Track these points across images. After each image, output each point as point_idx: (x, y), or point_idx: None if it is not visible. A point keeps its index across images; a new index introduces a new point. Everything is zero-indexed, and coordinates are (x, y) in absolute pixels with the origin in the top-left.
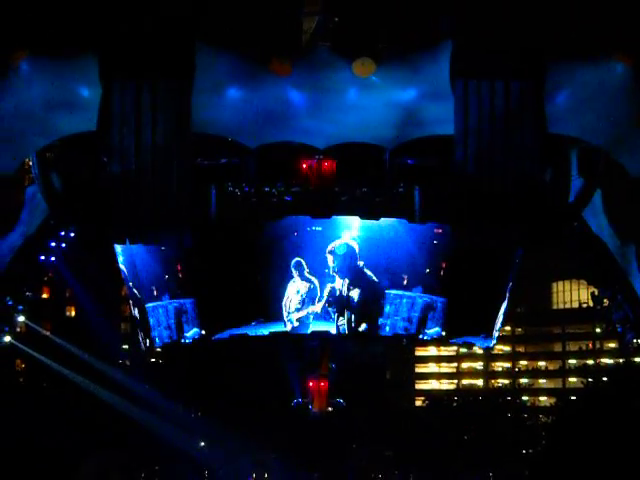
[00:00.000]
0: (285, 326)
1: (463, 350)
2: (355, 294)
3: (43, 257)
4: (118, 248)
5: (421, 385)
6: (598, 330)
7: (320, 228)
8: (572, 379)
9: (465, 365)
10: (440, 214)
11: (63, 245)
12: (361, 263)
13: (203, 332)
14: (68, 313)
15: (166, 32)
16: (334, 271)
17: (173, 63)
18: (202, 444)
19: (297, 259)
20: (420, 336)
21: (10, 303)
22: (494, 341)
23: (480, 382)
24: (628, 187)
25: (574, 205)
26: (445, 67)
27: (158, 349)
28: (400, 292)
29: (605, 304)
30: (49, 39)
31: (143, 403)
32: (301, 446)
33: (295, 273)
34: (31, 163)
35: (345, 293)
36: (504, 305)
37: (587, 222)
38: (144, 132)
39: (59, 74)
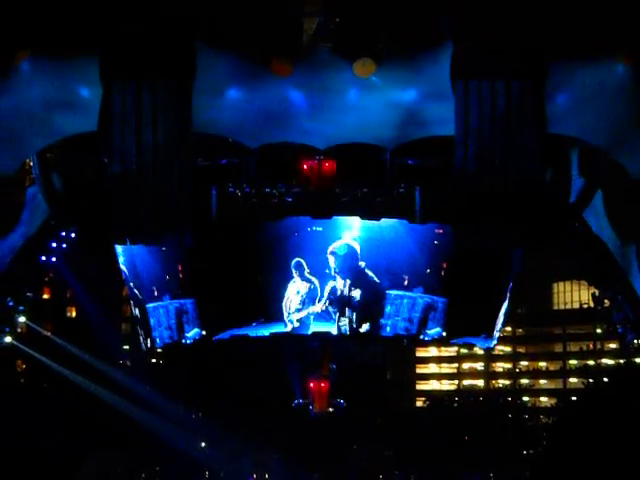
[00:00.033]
0: (285, 327)
1: (464, 351)
2: (356, 295)
3: (44, 258)
4: (119, 248)
5: (422, 386)
6: (599, 331)
7: (321, 228)
8: (573, 380)
9: (466, 366)
10: (441, 214)
11: (64, 246)
12: (362, 264)
13: (204, 332)
14: (69, 314)
15: (167, 32)
16: (335, 272)
17: (174, 63)
18: (203, 444)
19: (297, 259)
20: (421, 336)
21: (11, 304)
22: (495, 342)
23: (481, 383)
24: (628, 187)
25: (574, 205)
26: (446, 67)
27: (159, 349)
28: (401, 292)
29: (606, 305)
30: (50, 39)
31: (144, 403)
32: (302, 446)
33: (295, 273)
34: (32, 163)
35: (346, 294)
36: (505, 305)
37: (588, 222)
38: (145, 132)
39: (60, 74)
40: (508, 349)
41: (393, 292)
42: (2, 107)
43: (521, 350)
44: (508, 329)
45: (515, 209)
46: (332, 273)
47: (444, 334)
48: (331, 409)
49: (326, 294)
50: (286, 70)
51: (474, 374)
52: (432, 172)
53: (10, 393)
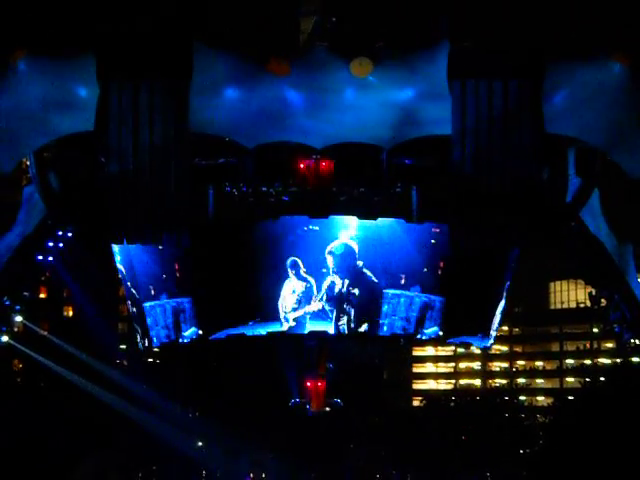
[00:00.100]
0: (281, 326)
1: (461, 350)
2: (354, 294)
3: (41, 257)
4: (115, 248)
5: (418, 385)
6: (595, 330)
7: (317, 227)
8: (569, 379)
9: (463, 365)
10: (438, 214)
11: (61, 245)
12: (360, 263)
13: (200, 332)
14: (66, 313)
15: (164, 32)
16: (334, 271)
17: (171, 63)
18: (200, 444)
19: (293, 258)
20: (418, 336)
21: (7, 303)
22: (491, 341)
23: (478, 382)
24: (626, 187)
25: (572, 205)
26: (443, 67)
27: (156, 349)
28: (398, 291)
29: (602, 304)
30: (47, 39)
31: (141, 403)
32: (299, 446)
33: (291, 272)
34: (28, 163)
35: (345, 293)
36: (501, 305)
37: (585, 222)
38: (142, 132)
39: (57, 74)
40: (505, 348)
41: (390, 291)
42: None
43: (518, 349)
44: (505, 328)
45: (512, 209)
46: (330, 273)
47: (441, 333)
48: (328, 408)
49: (324, 289)
50: (283, 70)
51: (471, 373)
52: (429, 172)
53: (7, 393)
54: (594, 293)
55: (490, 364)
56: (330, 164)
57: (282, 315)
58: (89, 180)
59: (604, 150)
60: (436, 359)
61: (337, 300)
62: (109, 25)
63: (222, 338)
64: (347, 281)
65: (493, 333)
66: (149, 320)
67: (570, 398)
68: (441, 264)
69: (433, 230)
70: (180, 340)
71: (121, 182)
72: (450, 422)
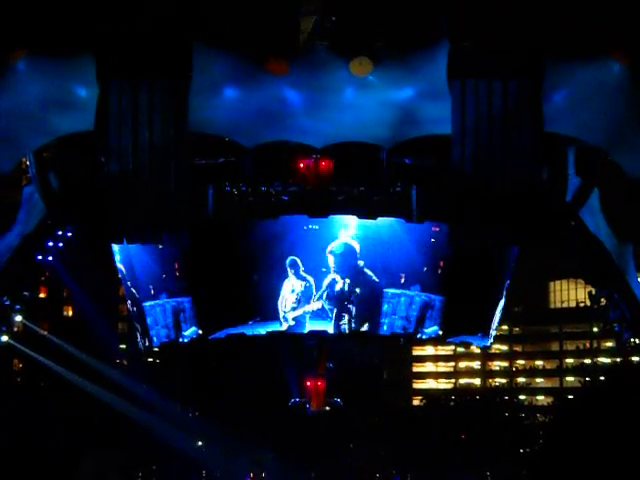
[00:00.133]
0: (281, 325)
1: (460, 349)
2: (355, 294)
3: (40, 257)
4: (115, 247)
5: (418, 384)
6: (595, 329)
7: (317, 227)
8: (569, 378)
9: (462, 364)
10: (437, 213)
11: (60, 245)
12: (361, 263)
13: (200, 331)
14: (65, 313)
15: (163, 32)
16: (334, 271)
17: (170, 63)
18: (200, 443)
19: (292, 258)
20: (418, 335)
21: (7, 303)
22: (491, 340)
23: (477, 381)
24: (625, 187)
25: (571, 204)
26: (442, 66)
27: (156, 348)
28: (398, 291)
29: (602, 303)
30: (47, 39)
31: (141, 403)
32: (298, 445)
33: (290, 272)
34: (28, 163)
35: (346, 292)
36: (501, 304)
37: (584, 221)
38: (141, 132)
39: (56, 74)
40: (505, 348)
41: (390, 290)
42: None
43: (518, 349)
44: (505, 328)
45: (512, 208)
46: (331, 272)
47: (441, 333)
48: (328, 408)
49: (324, 287)
50: (283, 69)
51: (471, 373)
52: (429, 171)
53: (7, 392)
54: (594, 292)
55: (490, 363)
56: (330, 163)
57: (281, 315)
58: (89, 180)
59: (604, 150)
60: (436, 358)
61: (338, 299)
62: (109, 25)
63: (222, 338)
64: (348, 280)
65: (493, 332)
66: (149, 320)
67: (570, 397)
68: (441, 263)
69: (433, 229)
70: (180, 340)
71: (121, 182)
72: (450, 421)
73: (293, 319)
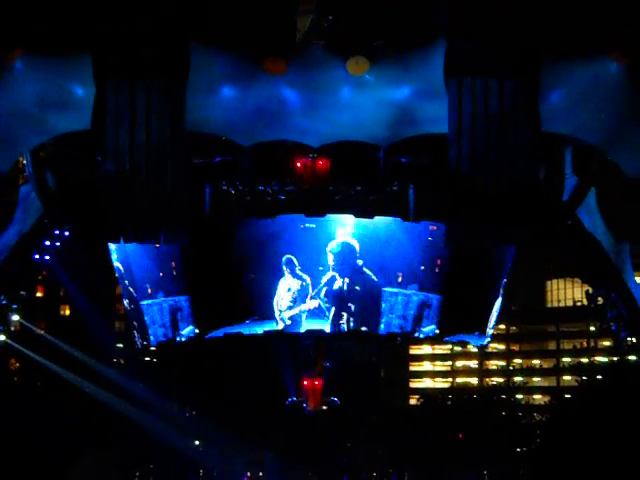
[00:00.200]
0: (277, 324)
1: (457, 348)
2: (355, 293)
3: (37, 256)
4: (112, 246)
5: (415, 383)
6: (592, 328)
7: (314, 225)
8: (566, 377)
9: (459, 363)
10: (434, 213)
11: (57, 244)
12: (360, 262)
13: (197, 330)
14: (62, 312)
15: (160, 31)
16: (334, 269)
17: (167, 62)
18: (197, 443)
19: (288, 256)
20: (416, 334)
21: (4, 302)
22: (488, 339)
23: (474, 380)
24: (622, 186)
25: (568, 203)
26: (439, 65)
27: (153, 347)
28: (395, 290)
29: (599, 302)
30: (43, 38)
31: (138, 402)
32: (296, 445)
33: (286, 270)
34: (25, 162)
35: (345, 291)
36: (498, 303)
37: (581, 220)
38: (138, 131)
39: (53, 73)
40: (502, 347)
41: (387, 289)
42: None
43: (515, 348)
44: (502, 327)
45: (508, 207)
46: (330, 270)
47: (438, 332)
48: (325, 407)
49: (322, 283)
50: (279, 68)
51: (468, 372)
52: (425, 170)
53: (3, 392)
54: (591, 291)
55: (487, 362)
56: (327, 163)
57: (277, 314)
58: (86, 179)
59: (601, 149)
60: (433, 357)
61: (337, 297)
62: (106, 24)
63: (219, 337)
64: (347, 279)
65: (490, 331)
66: (146, 318)
67: (567, 396)
68: (438, 262)
69: (430, 228)
70: (177, 339)
71: (118, 181)
72: (447, 420)
73: (289, 318)
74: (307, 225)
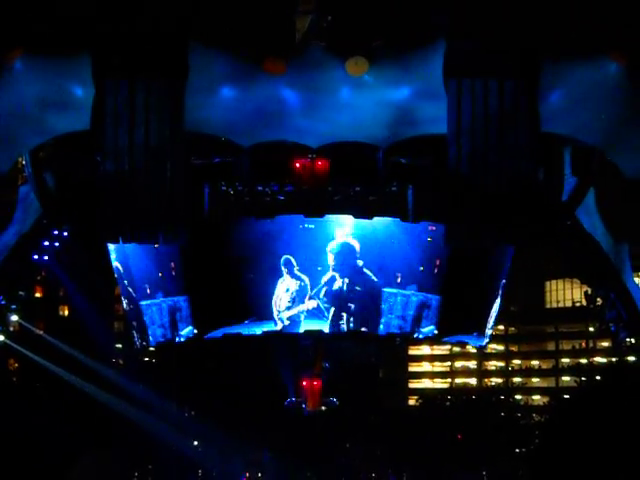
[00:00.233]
0: (276, 325)
1: (456, 349)
2: (355, 293)
3: (36, 256)
4: (111, 246)
5: (414, 384)
6: (591, 329)
7: (313, 226)
8: (565, 378)
9: (458, 364)
10: (433, 213)
11: (56, 244)
12: (360, 262)
13: (196, 331)
14: (61, 312)
15: (160, 32)
16: (334, 269)
17: (166, 62)
18: (195, 443)
19: (286, 256)
20: (415, 335)
21: (3, 302)
22: (487, 340)
23: (473, 381)
24: (621, 186)
25: (567, 204)
26: (438, 66)
27: (152, 348)
28: (394, 290)
29: (598, 303)
30: (43, 38)
31: (137, 402)
32: (294, 445)
33: (284, 271)
34: (24, 162)
35: (345, 292)
36: (497, 303)
37: (580, 221)
38: (137, 131)
39: (53, 73)
40: (501, 347)
41: (386, 290)
42: None
43: (514, 348)
44: (501, 327)
45: (508, 207)
46: (330, 270)
47: (437, 332)
48: (324, 407)
49: (322, 283)
50: (279, 69)
51: (467, 372)
52: (425, 171)
53: (2, 392)
54: (590, 292)
55: (486, 363)
56: (326, 163)
57: (276, 314)
58: (85, 179)
59: (600, 149)
60: (432, 358)
61: (336, 298)
62: (105, 25)
63: (218, 337)
64: (347, 280)
65: (489, 332)
66: (146, 319)
67: (566, 397)
68: (437, 263)
69: (429, 229)
70: (176, 339)
71: (117, 181)
72: (446, 421)
73: (288, 318)
74: (306, 225)
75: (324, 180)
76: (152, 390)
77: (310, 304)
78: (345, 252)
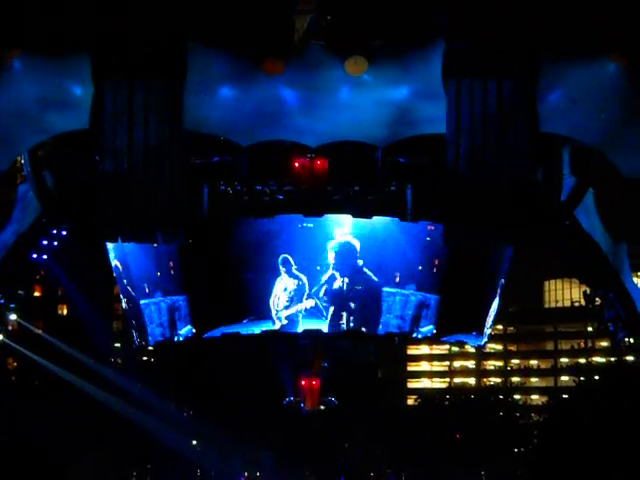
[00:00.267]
0: (274, 324)
1: (455, 349)
2: (355, 293)
3: (35, 255)
4: (110, 245)
5: (413, 384)
6: (590, 329)
7: (311, 225)
8: (564, 378)
9: (457, 364)
10: (432, 213)
11: (55, 243)
12: (360, 262)
13: (195, 330)
14: (60, 311)
15: (159, 31)
16: (334, 268)
17: (166, 62)
18: (194, 443)
19: (284, 256)
20: (414, 334)
21: (2, 301)
22: (485, 339)
23: (472, 381)
24: (620, 186)
25: (566, 204)
26: (437, 66)
27: (150, 347)
28: (393, 290)
29: (597, 303)
30: (42, 38)
31: (135, 402)
32: (293, 444)
33: (282, 270)
34: (23, 161)
35: (345, 291)
36: (495, 303)
37: (579, 221)
38: (137, 131)
39: (52, 72)
40: (499, 347)
41: (385, 289)
42: None
43: (512, 348)
44: (499, 327)
45: (506, 207)
46: (330, 268)
47: (435, 332)
48: (322, 407)
49: (322, 280)
50: (278, 68)
51: (465, 372)
52: (423, 170)
53: (1, 391)
54: (589, 292)
55: (484, 363)
56: (325, 163)
57: (274, 313)
58: (84, 178)
59: (599, 149)
60: (431, 358)
61: (336, 296)
62: (105, 25)
63: (217, 337)
64: (347, 279)
65: (487, 331)
66: (145, 318)
67: (564, 397)
68: (436, 262)
69: (428, 227)
70: (175, 338)
71: (116, 181)
72: (445, 421)
73: (286, 318)
74: (305, 224)
75: (323, 179)
76: (151, 389)
77: (308, 303)
78: (346, 251)
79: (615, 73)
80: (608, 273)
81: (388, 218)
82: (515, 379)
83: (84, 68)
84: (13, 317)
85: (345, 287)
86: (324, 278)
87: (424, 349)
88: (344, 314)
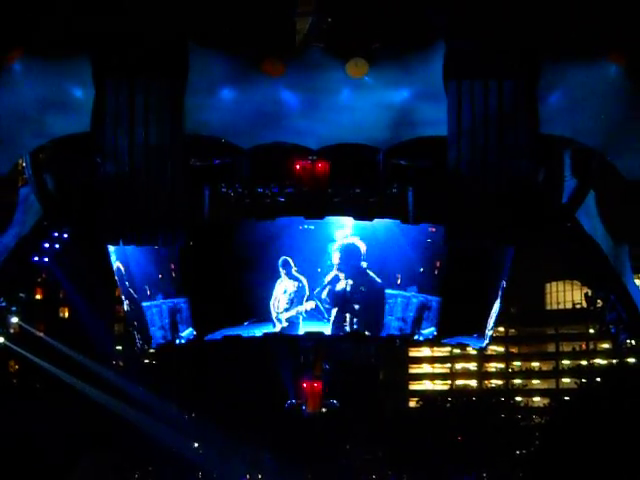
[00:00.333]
0: (274, 326)
1: (456, 351)
2: (359, 294)
3: (36, 258)
4: (111, 248)
5: (415, 386)
6: (591, 331)
7: (312, 227)
8: (565, 380)
9: (459, 366)
10: (434, 215)
11: (56, 246)
12: (364, 264)
13: (196, 332)
14: (61, 314)
15: (159, 33)
16: (338, 269)
17: (166, 64)
18: (196, 445)
19: (284, 257)
20: (416, 336)
21: (3, 304)
22: (487, 341)
23: (474, 383)
24: (621, 188)
25: (567, 206)
26: (438, 67)
27: (152, 350)
28: (395, 292)
29: (599, 305)
30: (42, 39)
31: (137, 404)
32: (295, 447)
33: (282, 272)
34: (24, 164)
35: (348, 293)
36: (497, 305)
37: (580, 223)
38: (137, 133)
39: (52, 74)
40: (501, 349)
41: (387, 291)
42: None
43: (514, 350)
44: (501, 329)
45: (508, 209)
46: (334, 269)
47: (437, 334)
48: (324, 409)
49: (326, 281)
50: (279, 70)
51: (467, 374)
52: (425, 172)
53: (3, 394)
54: (590, 294)
55: (486, 365)
56: (326, 165)
57: (274, 315)
58: (85, 181)
59: (600, 151)
60: (432, 360)
61: (339, 298)
62: (105, 25)
63: (218, 339)
64: (351, 281)
65: (489, 334)
66: (147, 320)
67: (566, 399)
68: (437, 264)
69: (430, 229)
70: (177, 341)
71: (117, 183)
72: (446, 423)
73: (286, 320)
74: (306, 226)
75: (324, 182)
76: (152, 392)
77: (308, 305)
78: (350, 253)
79: (616, 74)
80: (610, 275)
81: (389, 220)
82: (516, 381)
83: (85, 70)
84: (14, 320)
85: (349, 288)
86: (327, 279)
87: (425, 351)
88: (347, 316)
